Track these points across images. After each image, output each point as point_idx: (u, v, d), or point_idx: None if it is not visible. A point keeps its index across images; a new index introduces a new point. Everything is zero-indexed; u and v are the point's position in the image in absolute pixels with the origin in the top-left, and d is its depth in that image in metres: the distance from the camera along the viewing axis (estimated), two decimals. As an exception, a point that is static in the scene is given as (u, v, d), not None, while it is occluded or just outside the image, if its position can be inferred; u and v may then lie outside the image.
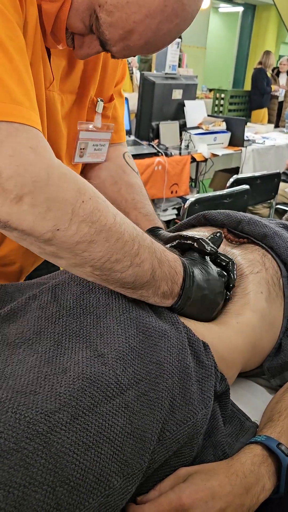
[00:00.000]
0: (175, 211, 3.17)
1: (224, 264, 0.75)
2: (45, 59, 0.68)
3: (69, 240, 0.52)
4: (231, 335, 0.71)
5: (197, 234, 0.75)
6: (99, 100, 0.84)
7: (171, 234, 0.80)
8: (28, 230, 0.50)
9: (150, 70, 6.56)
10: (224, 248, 0.85)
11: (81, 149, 0.85)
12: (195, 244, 0.72)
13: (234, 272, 0.75)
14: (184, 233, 0.76)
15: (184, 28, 0.62)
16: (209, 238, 0.77)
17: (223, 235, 0.78)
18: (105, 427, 0.49)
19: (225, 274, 0.73)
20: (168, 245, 0.74)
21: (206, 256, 0.72)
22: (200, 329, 0.67)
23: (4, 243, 0.82)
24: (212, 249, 0.72)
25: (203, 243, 0.72)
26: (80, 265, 0.55)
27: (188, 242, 0.73)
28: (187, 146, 3.15)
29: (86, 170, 0.95)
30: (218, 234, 0.78)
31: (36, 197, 0.49)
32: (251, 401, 0.77)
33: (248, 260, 0.82)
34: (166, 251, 0.64)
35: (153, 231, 0.84)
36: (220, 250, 0.81)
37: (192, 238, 0.73)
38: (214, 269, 0.71)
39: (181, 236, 0.74)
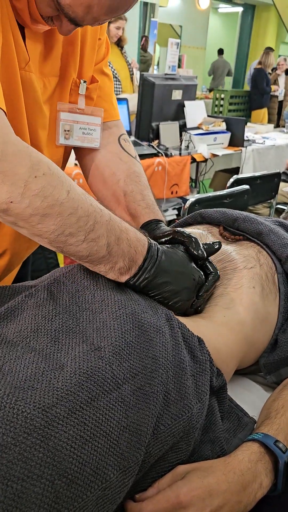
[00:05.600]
0: (176, 212, 3.18)
1: (208, 272, 0.73)
2: (18, 39, 0.70)
3: (23, 213, 0.56)
4: (220, 329, 0.71)
5: (194, 233, 0.75)
6: (82, 81, 0.84)
7: (168, 228, 0.79)
8: None
9: (147, 70, 6.59)
10: None
11: (65, 130, 0.85)
12: (185, 241, 0.71)
13: (211, 284, 0.72)
14: (181, 229, 0.75)
15: None
16: (206, 244, 0.75)
17: (220, 248, 0.76)
18: (102, 421, 0.49)
19: (203, 278, 0.71)
20: (163, 239, 0.74)
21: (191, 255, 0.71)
22: (191, 323, 0.67)
23: None
24: (201, 253, 0.71)
25: (195, 244, 0.71)
26: (38, 235, 0.59)
27: (182, 239, 0.72)
28: (187, 146, 3.15)
29: (81, 156, 0.93)
30: (217, 246, 0.76)
31: None
32: (249, 398, 0.77)
33: (243, 255, 0.82)
34: (129, 230, 0.65)
35: (151, 225, 0.82)
36: None
37: (188, 237, 0.72)
38: (191, 268, 0.70)
39: (176, 232, 0.73)
